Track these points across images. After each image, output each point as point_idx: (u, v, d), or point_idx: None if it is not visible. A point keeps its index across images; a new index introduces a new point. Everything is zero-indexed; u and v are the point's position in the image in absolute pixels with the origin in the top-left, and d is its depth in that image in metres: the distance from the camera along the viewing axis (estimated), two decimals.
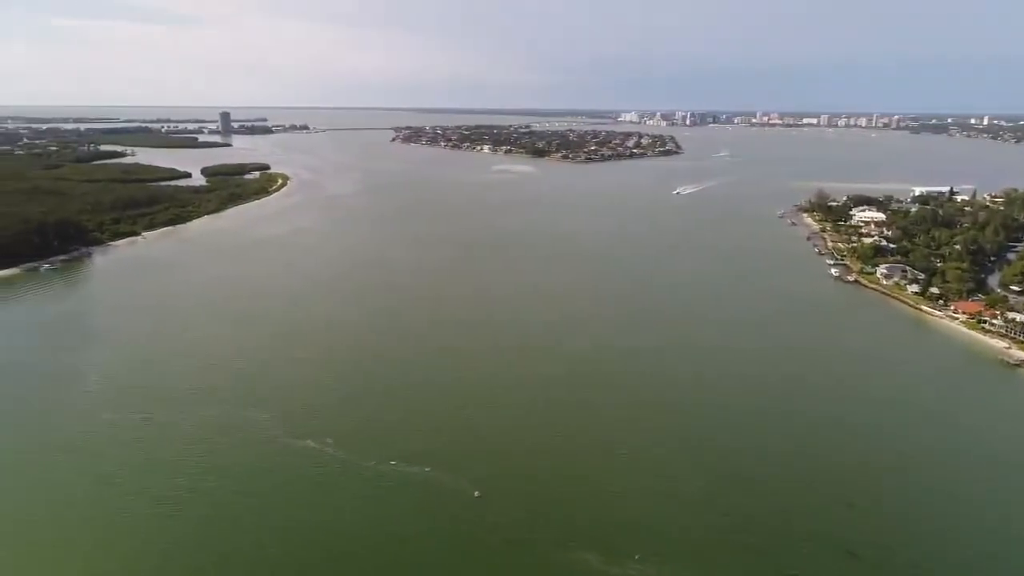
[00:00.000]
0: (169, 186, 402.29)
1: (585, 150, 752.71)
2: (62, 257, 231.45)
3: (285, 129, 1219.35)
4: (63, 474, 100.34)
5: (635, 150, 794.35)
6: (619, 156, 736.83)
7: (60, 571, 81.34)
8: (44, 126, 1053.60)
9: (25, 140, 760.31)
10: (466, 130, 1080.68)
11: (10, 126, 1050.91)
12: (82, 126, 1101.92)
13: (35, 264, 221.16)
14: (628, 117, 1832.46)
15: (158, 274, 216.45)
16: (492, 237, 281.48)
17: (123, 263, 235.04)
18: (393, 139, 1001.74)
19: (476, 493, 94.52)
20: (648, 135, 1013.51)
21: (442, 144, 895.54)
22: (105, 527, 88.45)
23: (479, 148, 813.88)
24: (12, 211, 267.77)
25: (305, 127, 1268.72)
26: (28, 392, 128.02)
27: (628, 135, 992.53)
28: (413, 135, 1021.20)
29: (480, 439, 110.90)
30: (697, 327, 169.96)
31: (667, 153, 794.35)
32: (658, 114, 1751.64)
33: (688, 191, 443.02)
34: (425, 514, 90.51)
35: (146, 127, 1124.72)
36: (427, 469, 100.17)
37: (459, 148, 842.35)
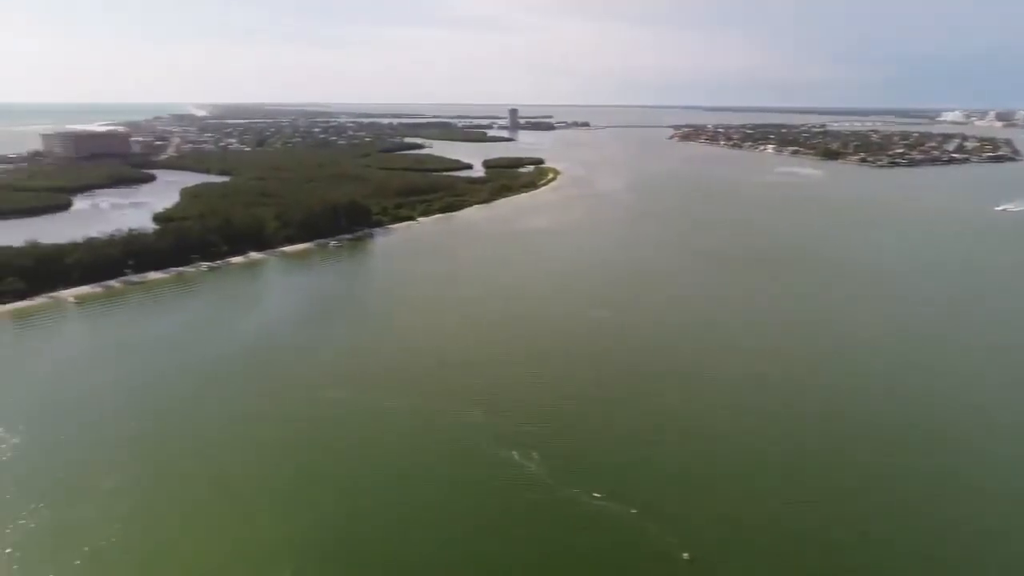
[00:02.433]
0: (450, 176, 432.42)
1: (888, 153, 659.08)
2: (347, 236, 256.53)
3: (567, 126, 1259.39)
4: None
5: (955, 154, 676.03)
6: (933, 161, 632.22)
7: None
8: (366, 120, 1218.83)
9: (349, 132, 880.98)
10: (750, 128, 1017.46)
11: (342, 120, 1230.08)
12: (395, 121, 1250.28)
13: (326, 240, 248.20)
14: (950, 116, 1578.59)
15: (421, 257, 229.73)
16: (761, 250, 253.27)
17: (395, 245, 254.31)
18: (671, 136, 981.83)
19: (685, 555, 78.89)
20: (974, 137, 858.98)
21: (721, 143, 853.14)
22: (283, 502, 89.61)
23: (762, 148, 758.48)
24: (321, 193, 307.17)
25: (586, 124, 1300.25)
26: (279, 357, 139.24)
27: (948, 137, 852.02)
28: (692, 133, 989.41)
29: (708, 490, 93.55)
30: None
31: (999, 159, 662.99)
32: (991, 113, 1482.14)
33: (1019, 209, 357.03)
34: (614, 567, 77.33)
35: (447, 122, 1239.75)
36: (633, 511, 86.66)
37: (739, 147, 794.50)
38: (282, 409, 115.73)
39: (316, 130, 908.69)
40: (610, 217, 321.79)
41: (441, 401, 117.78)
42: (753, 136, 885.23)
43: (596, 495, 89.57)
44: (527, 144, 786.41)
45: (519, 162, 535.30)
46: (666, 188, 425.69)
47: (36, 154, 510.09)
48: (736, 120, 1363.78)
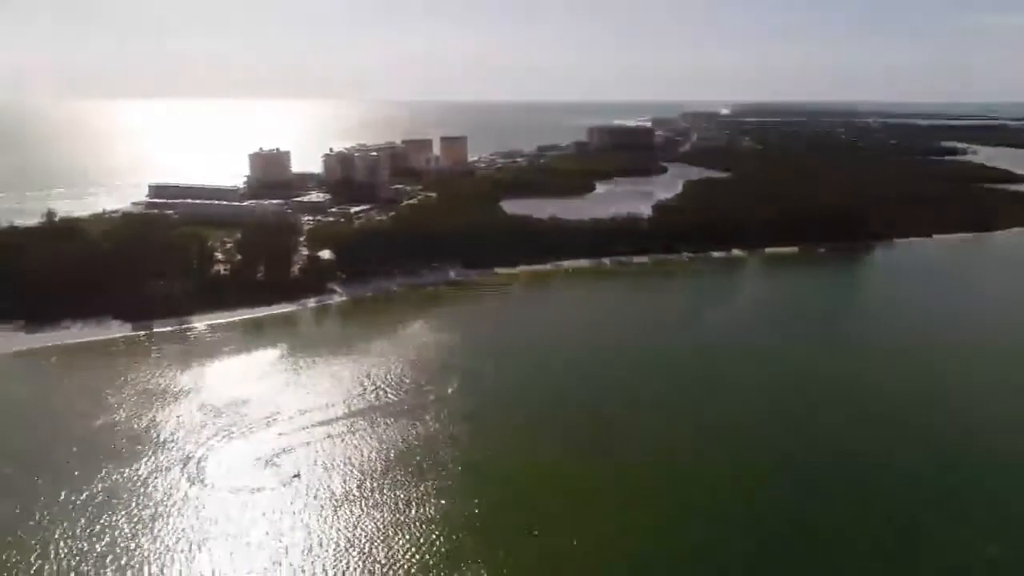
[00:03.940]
0: (982, 187, 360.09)
1: None
2: (838, 245, 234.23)
3: None
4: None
5: None
6: None
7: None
8: (897, 121, 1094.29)
9: (875, 135, 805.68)
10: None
11: (869, 120, 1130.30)
12: (932, 123, 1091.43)
13: (814, 245, 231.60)
14: None
15: (935, 281, 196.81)
16: None
17: (897, 262, 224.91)
18: None
19: None
20: None
21: None
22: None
23: None
24: (819, 196, 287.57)
25: None
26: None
27: None
28: None
29: None
30: None
31: None
32: None
33: None
34: None
35: (1002, 124, 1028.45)
36: None
37: None
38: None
39: (839, 131, 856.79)
40: None
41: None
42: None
43: None
44: None
45: None
46: None
47: (580, 144, 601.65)
48: None
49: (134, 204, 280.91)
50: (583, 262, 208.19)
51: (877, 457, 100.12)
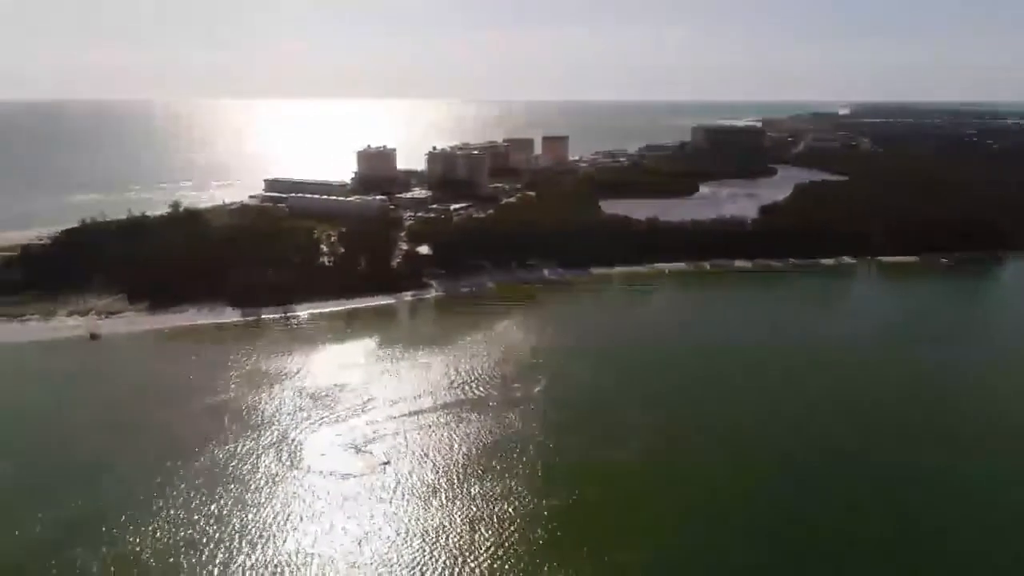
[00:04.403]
0: None
1: None
2: (964, 255, 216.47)
3: None
4: None
5: None
6: None
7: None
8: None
9: (1014, 137, 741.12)
10: None
11: (1009, 123, 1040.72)
12: None
13: (937, 256, 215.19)
14: None
15: None
16: None
17: None
18: None
19: None
20: None
21: None
22: None
23: None
24: (942, 203, 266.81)
25: None
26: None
27: None
28: None
29: None
30: None
31: None
32: None
33: None
34: None
35: None
36: None
37: None
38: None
39: (970, 133, 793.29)
40: None
41: None
42: None
43: None
44: None
45: None
46: None
47: (684, 144, 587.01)
48: None
49: (251, 197, 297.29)
50: (681, 265, 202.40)
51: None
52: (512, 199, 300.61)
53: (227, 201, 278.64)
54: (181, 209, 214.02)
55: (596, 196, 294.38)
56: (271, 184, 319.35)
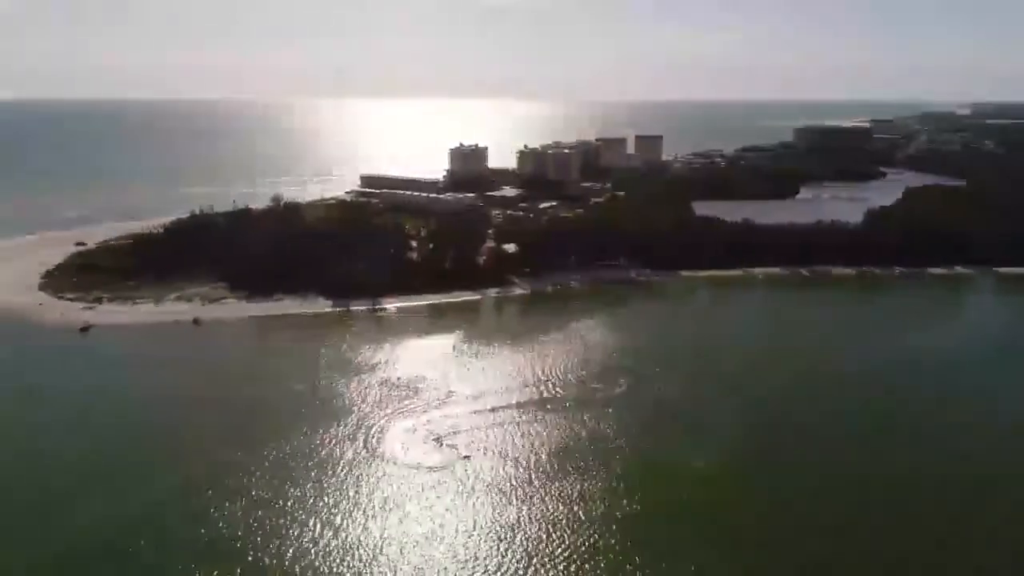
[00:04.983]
0: None
1: None
2: None
3: None
4: None
5: None
6: None
7: None
8: None
9: None
10: None
11: None
12: None
13: None
14: None
15: None
16: None
17: None
18: None
19: None
20: None
21: None
22: None
23: None
24: None
25: None
26: None
27: None
28: None
29: None
30: None
31: None
32: None
33: None
34: None
35: None
36: None
37: None
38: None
39: None
40: None
41: None
42: None
43: None
44: None
45: None
46: None
47: (786, 145, 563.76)
48: None
49: (347, 192, 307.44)
50: (776, 269, 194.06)
51: None
52: (601, 199, 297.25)
53: (325, 196, 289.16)
54: (281, 203, 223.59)
55: (688, 197, 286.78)
56: (367, 180, 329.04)
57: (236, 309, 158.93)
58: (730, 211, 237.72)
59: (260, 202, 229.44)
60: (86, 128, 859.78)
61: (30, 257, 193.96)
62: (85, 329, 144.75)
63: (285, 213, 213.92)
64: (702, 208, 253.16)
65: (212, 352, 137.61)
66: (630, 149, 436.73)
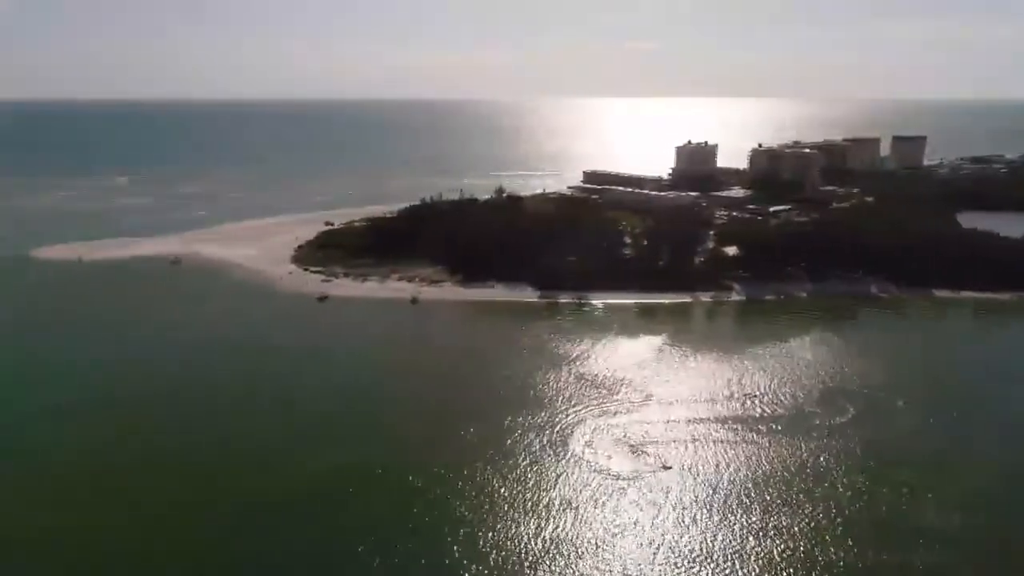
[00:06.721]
0: None
1: None
2: None
3: None
4: None
5: None
6: None
7: None
8: None
9: None
10: None
11: None
12: None
13: None
14: None
15: None
16: None
17: None
18: None
19: None
20: None
21: None
22: None
23: None
24: None
25: None
26: None
27: None
28: None
29: None
30: None
31: None
32: None
33: None
34: None
35: None
36: None
37: None
38: None
39: None
40: None
41: None
42: None
43: None
44: None
45: None
46: None
47: None
48: None
49: (569, 187, 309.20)
50: None
51: None
52: (845, 204, 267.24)
53: (547, 190, 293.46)
54: (504, 195, 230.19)
55: (953, 207, 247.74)
56: (589, 176, 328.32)
57: (450, 292, 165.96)
58: (1008, 225, 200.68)
59: (485, 193, 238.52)
60: (357, 124, 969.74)
61: (286, 235, 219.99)
62: (322, 299, 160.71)
63: (506, 204, 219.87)
64: (970, 220, 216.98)
65: (425, 330, 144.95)
66: (885, 151, 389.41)
